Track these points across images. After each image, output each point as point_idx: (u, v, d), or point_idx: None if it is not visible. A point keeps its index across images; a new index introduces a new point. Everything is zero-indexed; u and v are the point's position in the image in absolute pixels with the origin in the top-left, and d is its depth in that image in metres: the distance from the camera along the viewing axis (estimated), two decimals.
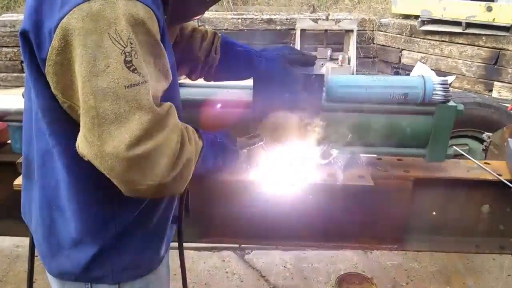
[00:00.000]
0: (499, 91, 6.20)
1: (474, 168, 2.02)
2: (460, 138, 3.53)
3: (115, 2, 0.96)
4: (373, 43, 7.55)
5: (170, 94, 1.17)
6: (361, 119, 1.79)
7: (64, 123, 1.10)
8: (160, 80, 1.09)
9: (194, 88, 1.89)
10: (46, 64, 1.01)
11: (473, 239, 2.10)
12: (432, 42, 6.75)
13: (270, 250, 3.28)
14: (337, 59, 6.31)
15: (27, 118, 1.25)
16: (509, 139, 2.10)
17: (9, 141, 2.05)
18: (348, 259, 3.24)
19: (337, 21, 6.67)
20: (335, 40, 6.92)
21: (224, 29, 7.14)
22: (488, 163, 2.07)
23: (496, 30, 6.09)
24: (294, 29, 6.80)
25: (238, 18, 7.25)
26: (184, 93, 1.76)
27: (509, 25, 5.94)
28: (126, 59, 0.97)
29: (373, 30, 7.46)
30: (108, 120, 0.97)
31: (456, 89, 6.32)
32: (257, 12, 7.85)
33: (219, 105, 1.79)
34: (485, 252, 2.20)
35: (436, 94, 1.75)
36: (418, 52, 6.94)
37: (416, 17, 6.89)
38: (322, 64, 6.14)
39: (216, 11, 7.67)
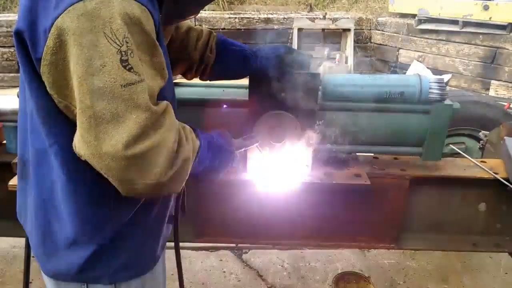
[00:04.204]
0: (496, 90, 6.20)
1: (470, 167, 2.02)
2: (457, 137, 3.53)
3: (110, 1, 0.96)
4: (370, 42, 7.54)
5: (165, 93, 1.16)
6: (357, 118, 1.80)
7: (60, 123, 1.10)
8: (156, 79, 1.09)
9: (190, 87, 1.89)
10: (41, 63, 1.00)
11: (470, 238, 2.11)
12: (429, 41, 6.75)
13: (267, 250, 3.28)
14: (335, 58, 6.31)
15: (22, 118, 1.25)
16: (505, 137, 2.11)
17: (4, 142, 2.04)
18: (345, 258, 3.24)
19: (334, 20, 6.67)
20: (332, 39, 6.92)
21: (221, 29, 7.12)
22: (485, 162, 2.07)
23: (493, 29, 6.09)
24: (291, 28, 6.79)
25: (235, 18, 7.24)
26: (179, 92, 1.76)
27: (506, 24, 5.94)
28: (122, 58, 0.97)
29: (370, 29, 7.45)
30: (105, 120, 0.97)
31: (453, 88, 6.32)
32: (254, 11, 7.84)
33: (215, 105, 1.79)
34: (481, 250, 2.21)
35: (432, 92, 1.76)
36: (415, 51, 6.94)
37: (413, 16, 6.89)
38: (320, 63, 6.13)
39: (213, 10, 7.66)
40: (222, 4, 7.82)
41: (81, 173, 1.13)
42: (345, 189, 1.82)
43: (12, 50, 6.66)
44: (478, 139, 2.92)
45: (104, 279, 1.25)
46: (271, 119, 1.65)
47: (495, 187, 1.96)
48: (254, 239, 2.17)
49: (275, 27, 7.30)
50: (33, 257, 1.42)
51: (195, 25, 1.66)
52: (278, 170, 1.70)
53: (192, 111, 1.75)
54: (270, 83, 1.59)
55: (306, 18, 6.80)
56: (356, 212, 1.99)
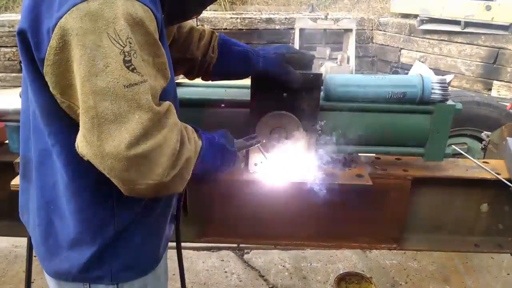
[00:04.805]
0: (498, 90, 6.20)
1: (472, 167, 2.02)
2: (459, 137, 3.53)
3: (113, 2, 0.96)
4: (372, 42, 7.54)
5: (167, 93, 1.17)
6: (360, 118, 1.79)
7: (63, 123, 1.10)
8: (158, 79, 1.09)
9: (192, 87, 1.89)
10: (45, 64, 1.00)
11: (472, 238, 2.10)
12: (431, 41, 6.75)
13: (269, 250, 3.28)
14: (336, 58, 6.30)
15: (25, 118, 1.25)
16: (507, 138, 2.10)
17: (6, 141, 2.05)
18: (347, 258, 3.24)
19: (336, 20, 6.66)
20: (334, 39, 6.92)
21: (223, 29, 7.13)
22: (487, 162, 2.07)
23: (495, 29, 6.09)
24: (293, 29, 6.79)
25: (237, 18, 7.24)
26: (181, 92, 1.76)
27: (508, 24, 5.94)
28: (125, 58, 0.97)
29: (372, 30, 7.46)
30: (108, 120, 0.97)
31: (455, 88, 6.31)
32: (256, 11, 7.85)
33: (217, 105, 1.79)
34: (483, 251, 2.21)
35: (434, 93, 1.75)
36: (417, 51, 6.94)
37: (415, 16, 6.89)
38: (321, 64, 6.13)
39: (215, 10, 7.67)
40: (224, 4, 7.82)
41: (83, 173, 1.13)
42: (347, 189, 1.81)
43: (15, 50, 6.68)
44: (480, 140, 2.91)
45: (107, 279, 1.25)
46: (273, 120, 1.65)
47: (497, 188, 1.96)
48: (255, 239, 2.17)
49: (277, 27, 7.30)
50: (35, 256, 1.42)
51: (197, 25, 1.66)
52: (279, 170, 1.70)
53: (194, 112, 1.75)
54: (272, 83, 1.58)
55: (308, 18, 6.79)
56: (358, 212, 1.99)
